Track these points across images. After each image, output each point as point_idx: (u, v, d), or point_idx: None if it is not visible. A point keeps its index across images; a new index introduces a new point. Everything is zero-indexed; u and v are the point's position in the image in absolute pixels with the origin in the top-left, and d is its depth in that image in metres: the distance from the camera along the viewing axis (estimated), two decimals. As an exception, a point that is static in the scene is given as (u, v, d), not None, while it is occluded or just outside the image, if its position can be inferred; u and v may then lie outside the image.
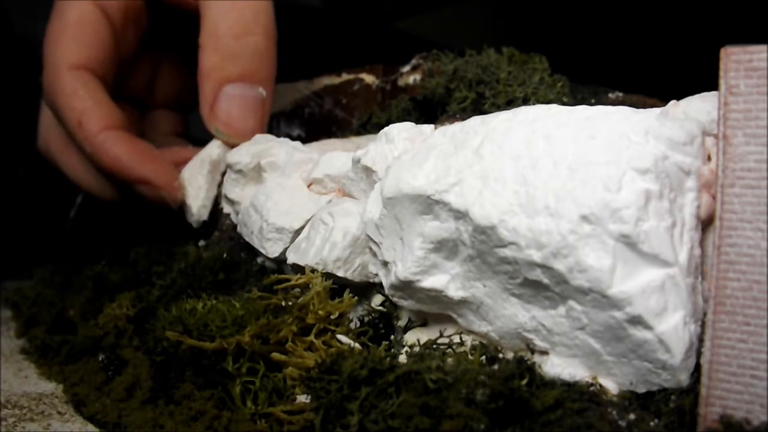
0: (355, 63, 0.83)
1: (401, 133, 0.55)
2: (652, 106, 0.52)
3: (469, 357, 0.45)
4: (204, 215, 0.70)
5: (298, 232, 0.59)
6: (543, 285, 0.42)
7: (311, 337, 0.49)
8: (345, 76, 0.83)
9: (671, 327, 0.39)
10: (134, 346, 0.59)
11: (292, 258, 0.56)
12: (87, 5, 0.71)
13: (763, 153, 0.38)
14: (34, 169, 1.16)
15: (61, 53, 0.70)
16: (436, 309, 0.50)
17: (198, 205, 0.69)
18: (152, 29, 0.79)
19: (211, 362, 0.49)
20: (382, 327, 0.53)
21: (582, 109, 0.46)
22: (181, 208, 0.70)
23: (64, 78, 0.69)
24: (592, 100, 0.64)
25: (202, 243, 0.70)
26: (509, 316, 0.45)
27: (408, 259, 0.48)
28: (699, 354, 0.40)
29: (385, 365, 0.41)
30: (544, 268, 0.41)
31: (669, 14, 1.08)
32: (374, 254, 0.53)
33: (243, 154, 0.66)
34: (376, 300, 0.55)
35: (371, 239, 0.52)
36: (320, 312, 0.49)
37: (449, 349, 0.48)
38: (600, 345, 0.41)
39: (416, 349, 0.48)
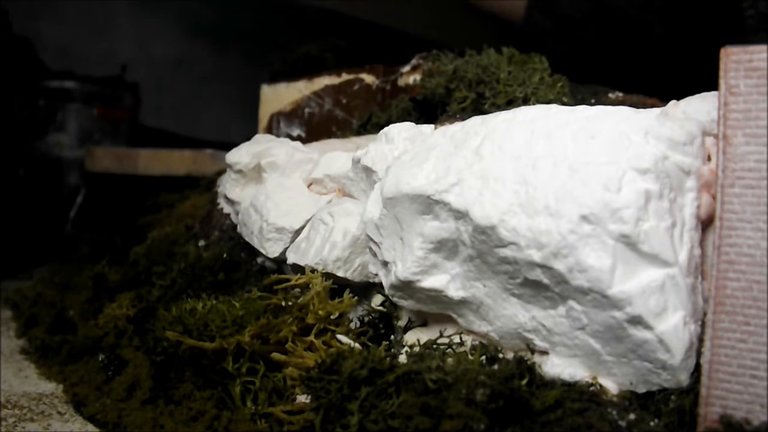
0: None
1: (401, 133, 0.55)
2: (652, 106, 0.52)
3: (469, 357, 0.45)
4: None
5: (298, 232, 0.59)
6: (543, 285, 0.42)
7: (311, 337, 0.49)
8: (345, 76, 0.83)
9: (671, 327, 0.39)
10: (134, 346, 0.59)
11: (292, 258, 0.56)
12: None
13: (763, 153, 0.38)
14: (34, 169, 1.16)
15: None
16: (436, 309, 0.50)
17: None
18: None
19: (211, 362, 0.49)
20: (382, 327, 0.53)
21: (582, 109, 0.46)
22: None
23: None
24: (592, 100, 0.64)
25: (202, 243, 0.70)
26: (509, 316, 0.45)
27: (408, 259, 0.48)
28: (699, 354, 0.40)
29: (385, 365, 0.41)
30: (544, 268, 0.41)
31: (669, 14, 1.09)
32: (374, 254, 0.53)
33: (243, 154, 0.66)
34: (376, 300, 0.55)
35: (371, 239, 0.52)
36: (320, 312, 0.49)
37: (449, 349, 0.48)
38: (600, 345, 0.41)
39: (416, 349, 0.48)
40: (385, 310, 0.53)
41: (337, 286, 0.53)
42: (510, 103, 0.62)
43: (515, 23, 1.05)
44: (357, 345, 0.49)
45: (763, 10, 0.92)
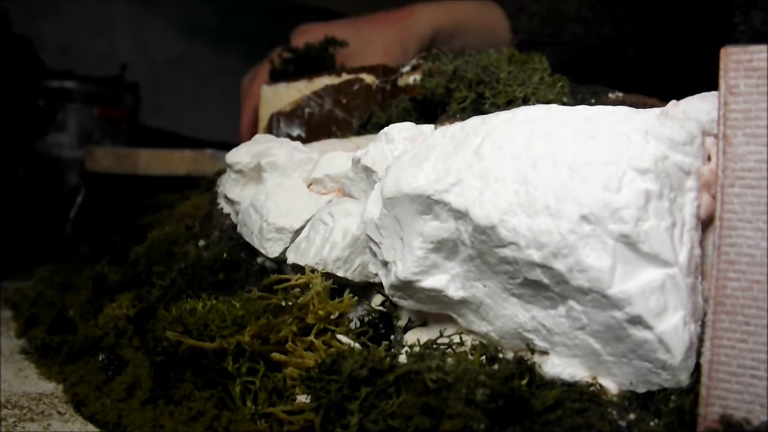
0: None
1: (401, 133, 0.55)
2: (652, 106, 0.52)
3: (469, 357, 0.45)
4: None
5: (298, 232, 0.59)
6: (543, 285, 0.42)
7: (311, 337, 0.49)
8: (345, 76, 0.83)
9: (671, 327, 0.39)
10: (134, 346, 0.59)
11: (292, 258, 0.56)
12: None
13: (763, 153, 0.38)
14: (34, 169, 1.16)
15: None
16: (436, 309, 0.50)
17: None
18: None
19: (211, 362, 0.49)
20: (382, 327, 0.53)
21: (582, 109, 0.46)
22: None
23: None
24: (592, 100, 0.64)
25: (202, 243, 0.70)
26: (509, 316, 0.45)
27: (408, 259, 0.48)
28: (699, 354, 0.40)
29: (385, 365, 0.41)
30: (544, 268, 0.41)
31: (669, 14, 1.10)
32: (374, 254, 0.53)
33: (243, 154, 0.66)
34: (376, 300, 0.55)
35: (371, 239, 0.52)
36: (320, 312, 0.49)
37: (449, 349, 0.48)
38: (600, 345, 0.41)
39: (416, 349, 0.48)
40: (385, 310, 0.53)
41: (337, 286, 0.53)
42: (510, 103, 0.62)
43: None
44: (357, 345, 0.49)
45: (756, 26, 0.93)
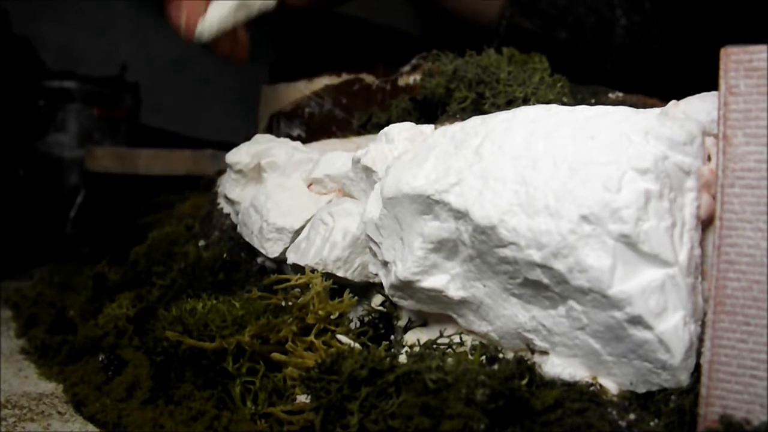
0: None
1: (401, 133, 0.55)
2: (652, 106, 0.52)
3: (469, 357, 0.45)
4: (205, 37, 0.76)
5: (298, 232, 0.59)
6: (543, 285, 0.42)
7: (311, 337, 0.49)
8: (345, 76, 0.83)
9: (671, 327, 0.39)
10: (134, 346, 0.59)
11: (292, 258, 0.56)
12: None
13: (763, 153, 0.38)
14: (34, 169, 1.16)
15: None
16: (436, 309, 0.50)
17: (206, 24, 0.75)
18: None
19: (211, 362, 0.49)
20: (382, 327, 0.53)
21: (582, 109, 0.46)
22: None
23: None
24: (592, 100, 0.64)
25: (202, 243, 0.70)
26: (509, 316, 0.45)
27: (408, 259, 0.48)
28: (699, 354, 0.40)
29: (385, 365, 0.41)
30: (544, 268, 0.41)
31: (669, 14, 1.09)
32: (374, 254, 0.53)
33: (243, 154, 0.66)
34: (376, 300, 0.55)
35: (371, 239, 0.52)
36: (320, 312, 0.49)
37: (449, 349, 0.48)
38: (600, 345, 0.41)
39: (416, 349, 0.48)
40: (385, 310, 0.53)
41: (337, 286, 0.53)
42: (510, 103, 0.62)
43: (485, 24, 1.03)
44: (357, 345, 0.49)
45: None
